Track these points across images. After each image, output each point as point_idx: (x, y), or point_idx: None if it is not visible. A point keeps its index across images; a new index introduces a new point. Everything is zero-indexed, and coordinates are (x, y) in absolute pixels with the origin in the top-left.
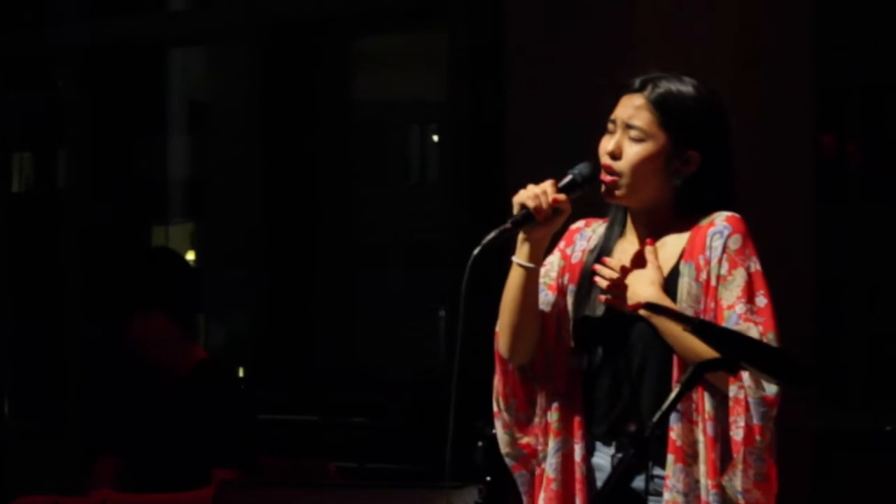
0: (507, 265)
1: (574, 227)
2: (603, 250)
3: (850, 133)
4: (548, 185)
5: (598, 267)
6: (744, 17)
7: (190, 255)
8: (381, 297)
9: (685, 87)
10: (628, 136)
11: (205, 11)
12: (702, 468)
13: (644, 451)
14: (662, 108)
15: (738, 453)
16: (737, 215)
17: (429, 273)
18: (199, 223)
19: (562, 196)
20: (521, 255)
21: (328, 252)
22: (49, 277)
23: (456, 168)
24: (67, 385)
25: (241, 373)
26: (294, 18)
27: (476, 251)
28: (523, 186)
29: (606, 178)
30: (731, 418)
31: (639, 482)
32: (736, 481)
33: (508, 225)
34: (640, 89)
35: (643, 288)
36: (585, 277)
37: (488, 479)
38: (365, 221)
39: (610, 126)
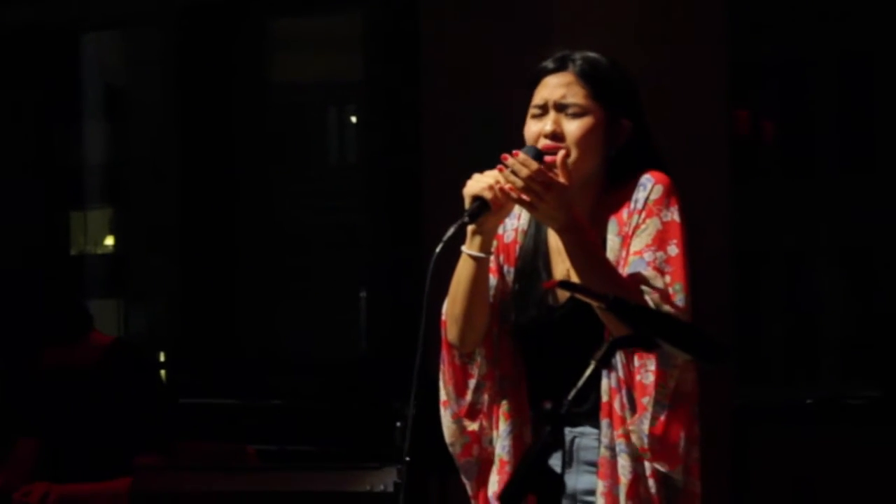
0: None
1: None
2: (538, 230)
3: (765, 108)
4: (498, 174)
5: (511, 161)
6: None
7: (109, 240)
8: (300, 280)
9: (601, 58)
10: (565, 114)
11: None
12: (603, 421)
13: (561, 429)
14: (592, 80)
15: (646, 397)
16: (662, 172)
17: (348, 254)
18: (118, 208)
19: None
20: (472, 246)
21: (247, 235)
22: None
23: (374, 149)
24: None
25: (161, 357)
26: (209, 1)
27: (438, 248)
28: (439, 167)
29: (551, 157)
30: (639, 363)
31: (590, 452)
32: (644, 424)
33: (466, 219)
34: (562, 68)
35: (556, 210)
36: (521, 259)
37: (407, 459)
38: (284, 203)
39: (535, 111)
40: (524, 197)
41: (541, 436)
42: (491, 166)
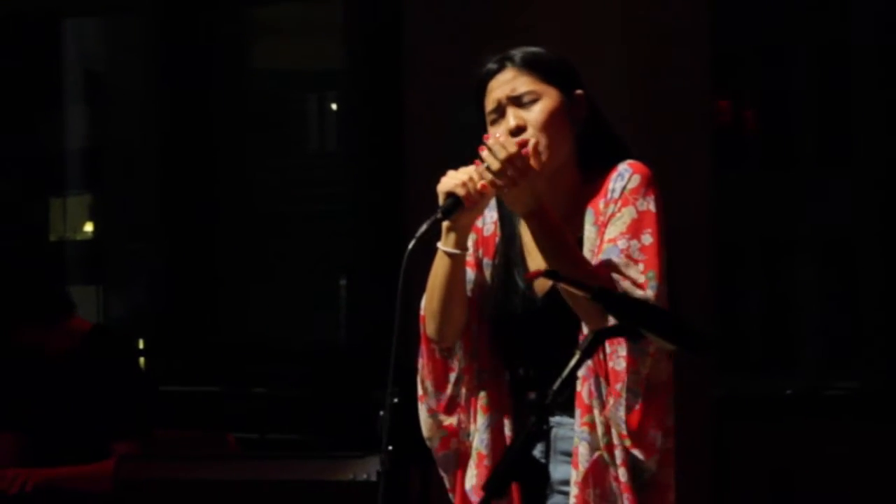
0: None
1: None
2: (510, 227)
3: (747, 99)
4: (472, 171)
5: (491, 142)
6: None
7: (88, 227)
8: (281, 267)
9: (536, 47)
10: (521, 105)
11: None
12: (577, 410)
13: (546, 419)
14: (535, 65)
15: (620, 383)
16: (640, 162)
17: (329, 242)
18: (97, 195)
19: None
20: (447, 243)
21: (227, 222)
22: None
23: (355, 137)
24: None
25: (141, 344)
26: None
27: (410, 245)
28: (421, 155)
29: (523, 150)
30: (610, 349)
31: (566, 442)
32: (620, 411)
33: (439, 215)
34: (502, 67)
35: (527, 195)
36: (500, 252)
37: (390, 448)
38: (264, 191)
39: (492, 116)
40: (498, 181)
41: (525, 426)
42: (474, 155)
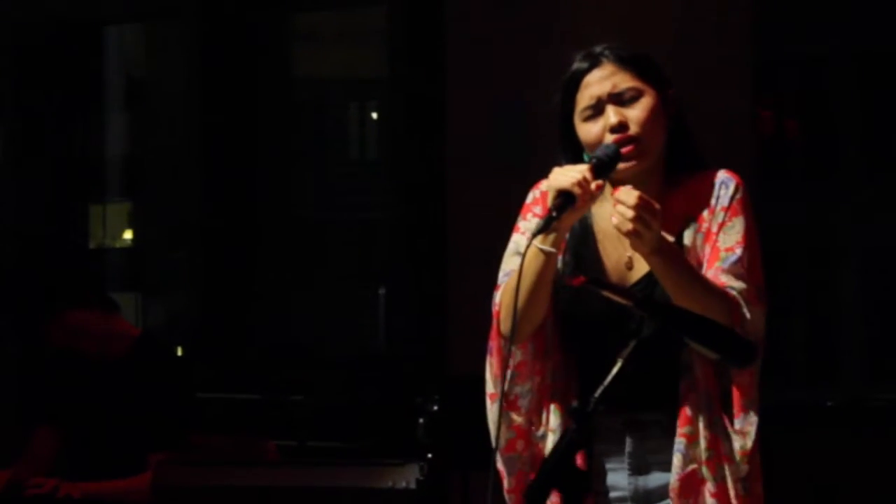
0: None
1: (545, 190)
2: (581, 224)
3: (789, 108)
4: (584, 170)
5: (619, 195)
6: None
7: (128, 234)
8: (320, 275)
9: (619, 44)
10: (622, 102)
11: None
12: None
13: (587, 427)
14: (631, 63)
15: (747, 398)
16: (736, 174)
17: (368, 250)
18: (137, 202)
19: (600, 181)
20: (546, 241)
21: (267, 229)
22: None
23: (395, 145)
24: None
25: (179, 351)
26: None
27: (529, 240)
28: (462, 164)
29: (627, 148)
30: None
31: (661, 452)
32: (751, 427)
33: (554, 213)
34: (597, 63)
35: (650, 235)
36: (571, 249)
37: (430, 455)
38: (304, 199)
39: (588, 112)
40: (635, 227)
41: (566, 433)
42: (515, 161)
